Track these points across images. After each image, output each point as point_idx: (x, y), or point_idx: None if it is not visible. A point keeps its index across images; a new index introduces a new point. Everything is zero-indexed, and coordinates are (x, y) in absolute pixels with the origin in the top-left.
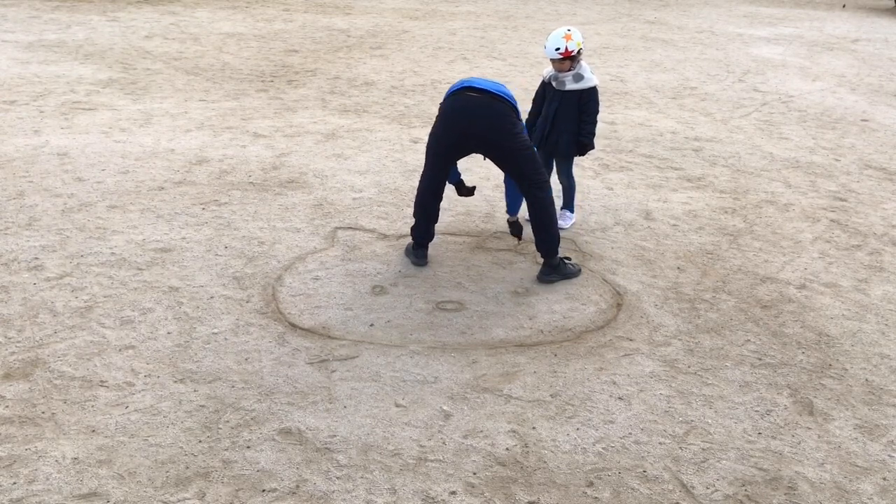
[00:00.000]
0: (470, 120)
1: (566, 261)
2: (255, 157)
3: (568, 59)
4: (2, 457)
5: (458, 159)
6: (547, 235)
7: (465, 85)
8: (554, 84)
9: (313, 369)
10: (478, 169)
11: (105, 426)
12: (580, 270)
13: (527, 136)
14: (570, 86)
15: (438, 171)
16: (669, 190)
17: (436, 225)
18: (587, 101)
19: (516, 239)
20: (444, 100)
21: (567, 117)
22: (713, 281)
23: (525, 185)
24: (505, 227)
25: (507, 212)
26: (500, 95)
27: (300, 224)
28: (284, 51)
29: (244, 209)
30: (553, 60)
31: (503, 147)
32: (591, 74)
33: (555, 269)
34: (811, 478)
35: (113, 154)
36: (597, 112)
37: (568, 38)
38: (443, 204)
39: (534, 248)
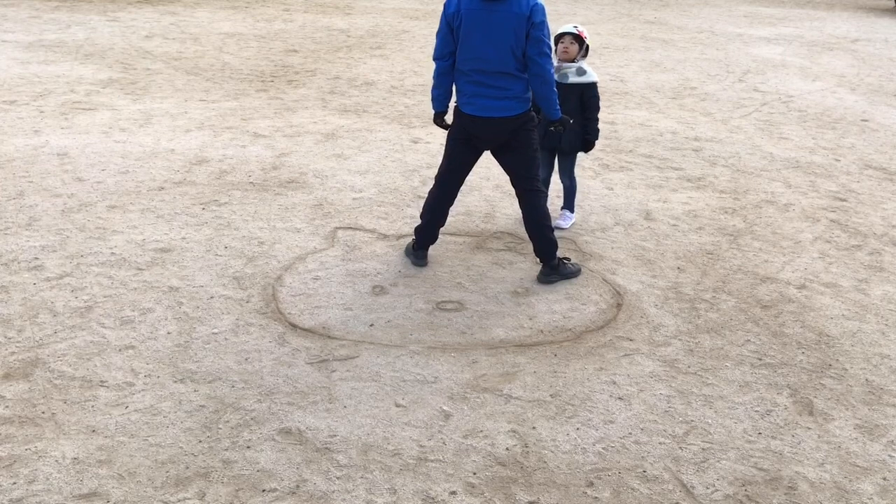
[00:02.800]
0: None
1: (565, 261)
2: (255, 157)
3: (577, 43)
4: (2, 457)
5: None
6: (544, 239)
7: None
8: (556, 77)
9: (313, 369)
10: (477, 169)
11: (105, 426)
12: (580, 270)
13: (536, 137)
14: (573, 79)
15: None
16: (669, 190)
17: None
18: (589, 98)
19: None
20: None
21: (570, 113)
22: (713, 281)
23: (522, 185)
24: (505, 226)
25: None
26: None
27: (300, 224)
28: (284, 51)
29: (244, 209)
30: (563, 38)
31: (519, 139)
32: (591, 71)
33: (554, 270)
34: (811, 478)
35: (113, 154)
36: (598, 109)
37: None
38: None
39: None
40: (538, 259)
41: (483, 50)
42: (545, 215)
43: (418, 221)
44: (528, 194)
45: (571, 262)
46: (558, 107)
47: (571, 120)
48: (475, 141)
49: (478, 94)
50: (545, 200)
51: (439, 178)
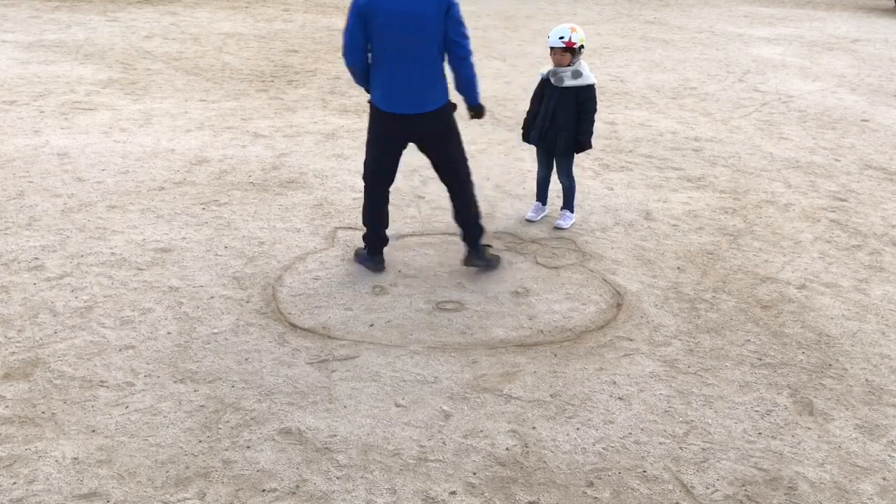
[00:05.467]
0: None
1: (488, 248)
2: (255, 157)
3: (568, 52)
4: (2, 457)
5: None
6: (476, 227)
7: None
8: (552, 80)
9: (313, 369)
10: (478, 169)
11: (105, 426)
12: (500, 259)
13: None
14: (569, 82)
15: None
16: (669, 190)
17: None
18: (585, 100)
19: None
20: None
21: (565, 115)
22: (713, 281)
23: (451, 178)
24: (505, 226)
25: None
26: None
27: (300, 224)
28: (284, 51)
29: (244, 209)
30: (553, 51)
31: (442, 133)
32: (589, 73)
33: (480, 255)
34: (811, 478)
35: (113, 154)
36: (594, 111)
37: (573, 30)
38: (443, 203)
39: (534, 247)
40: (464, 243)
41: (401, 36)
42: (476, 203)
43: (417, 222)
44: (460, 185)
45: (493, 250)
46: (479, 91)
47: (485, 110)
48: (395, 141)
49: (396, 87)
50: (474, 188)
51: (369, 180)
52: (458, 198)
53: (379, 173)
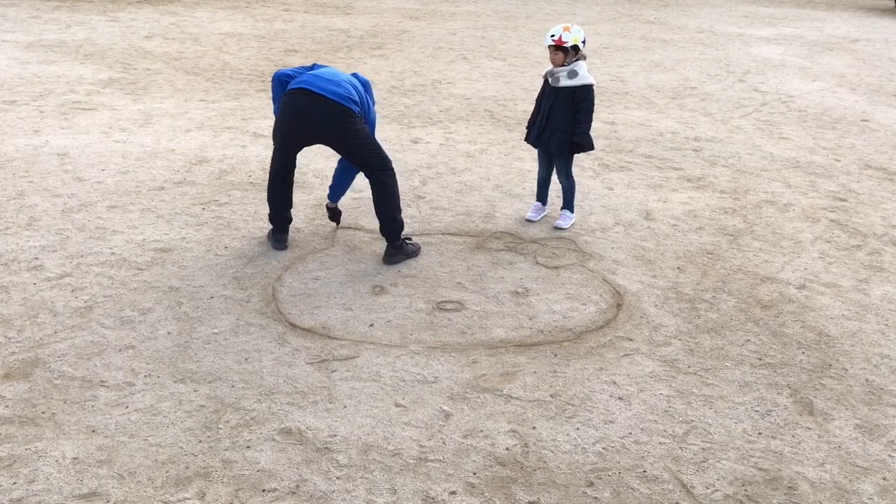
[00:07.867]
0: (304, 121)
1: (407, 241)
2: (255, 157)
3: (561, 51)
4: (2, 457)
5: (302, 148)
6: (391, 220)
7: (302, 87)
8: (549, 80)
9: (313, 369)
10: (478, 169)
11: (105, 426)
12: (420, 248)
13: (367, 129)
14: (564, 82)
15: (285, 161)
16: (669, 190)
17: (292, 209)
18: (581, 100)
19: (335, 224)
20: (282, 96)
21: (561, 115)
22: (713, 281)
23: (369, 172)
24: (505, 226)
25: (329, 198)
26: (332, 99)
27: (300, 224)
28: (284, 51)
29: (244, 209)
30: (549, 49)
31: (342, 141)
32: (587, 73)
33: (399, 250)
34: (811, 478)
35: (113, 154)
36: (591, 111)
37: (566, 29)
38: (443, 203)
39: (534, 247)
40: (386, 239)
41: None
42: (395, 192)
43: (417, 222)
44: (379, 174)
45: (412, 241)
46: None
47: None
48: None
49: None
50: (395, 178)
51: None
52: (373, 190)
53: (278, 161)
